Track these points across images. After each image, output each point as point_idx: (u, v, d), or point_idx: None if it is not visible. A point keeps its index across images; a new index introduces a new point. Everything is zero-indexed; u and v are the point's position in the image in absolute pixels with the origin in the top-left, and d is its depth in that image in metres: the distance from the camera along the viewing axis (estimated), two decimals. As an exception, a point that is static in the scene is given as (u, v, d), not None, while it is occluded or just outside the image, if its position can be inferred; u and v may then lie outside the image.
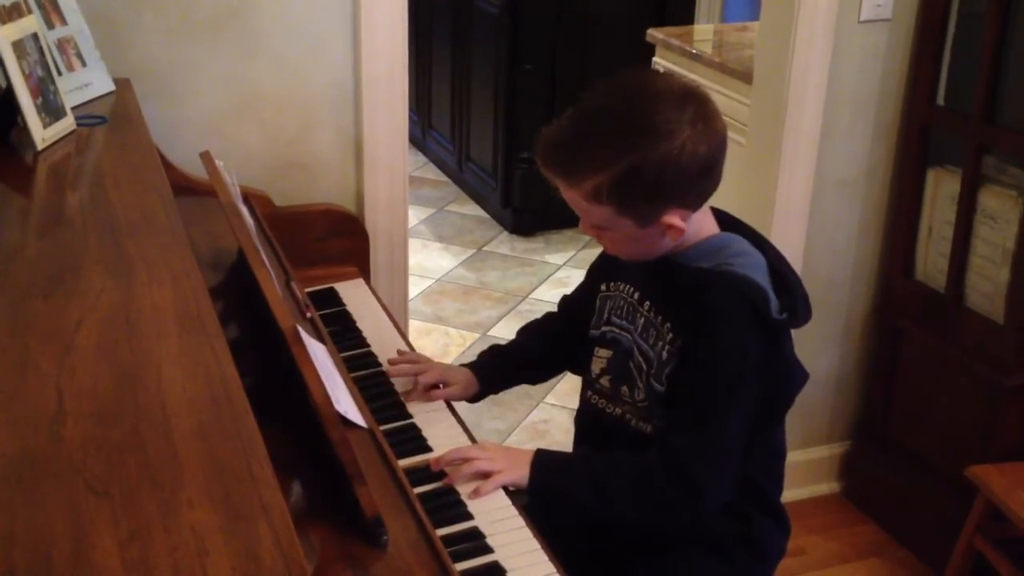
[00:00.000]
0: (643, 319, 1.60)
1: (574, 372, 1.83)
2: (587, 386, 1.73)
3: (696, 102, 1.48)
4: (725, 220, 1.63)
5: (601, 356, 1.68)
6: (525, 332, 1.89)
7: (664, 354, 1.56)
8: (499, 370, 1.84)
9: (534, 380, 1.95)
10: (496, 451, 1.59)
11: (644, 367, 1.59)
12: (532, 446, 1.64)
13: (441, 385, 1.79)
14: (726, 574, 1.66)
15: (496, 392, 1.87)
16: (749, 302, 1.50)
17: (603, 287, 1.69)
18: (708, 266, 1.54)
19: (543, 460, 1.57)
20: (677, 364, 1.54)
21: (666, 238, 1.53)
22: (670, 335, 1.55)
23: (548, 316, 1.90)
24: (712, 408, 1.52)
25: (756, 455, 1.59)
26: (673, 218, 1.50)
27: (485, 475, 1.54)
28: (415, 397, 1.76)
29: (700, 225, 1.57)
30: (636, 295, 1.63)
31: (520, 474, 1.55)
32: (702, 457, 1.51)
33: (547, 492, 1.57)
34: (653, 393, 1.58)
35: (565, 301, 1.89)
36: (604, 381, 1.68)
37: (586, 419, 1.75)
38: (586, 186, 1.48)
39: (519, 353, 1.86)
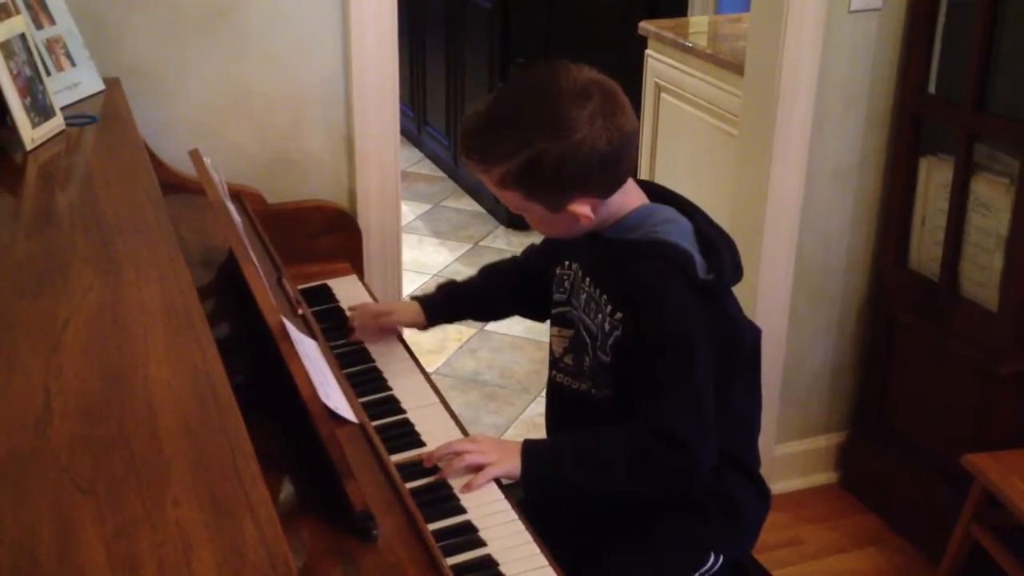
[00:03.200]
0: (584, 295, 1.67)
1: (524, 317, 1.97)
2: (552, 366, 1.78)
3: (598, 98, 1.54)
4: (656, 192, 1.70)
5: (564, 336, 1.73)
6: (483, 273, 2.00)
7: (606, 326, 1.61)
8: (446, 305, 1.97)
9: (480, 318, 2.16)
10: (488, 443, 1.60)
11: (588, 341, 1.65)
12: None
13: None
14: (703, 532, 1.69)
15: (444, 323, 2.00)
16: (676, 265, 1.57)
17: (557, 269, 1.75)
18: (636, 237, 1.61)
19: (532, 449, 1.59)
20: (621, 335, 1.59)
21: (579, 224, 1.60)
22: (609, 307, 1.61)
23: (510, 261, 2.00)
24: (677, 370, 1.56)
25: (719, 418, 1.61)
26: (581, 207, 1.57)
27: (478, 468, 1.55)
28: (363, 322, 1.94)
29: (623, 201, 1.63)
30: (580, 272, 1.70)
31: (512, 465, 1.56)
32: (684, 417, 1.55)
33: (539, 479, 1.58)
34: (600, 364, 1.63)
35: (529, 251, 1.97)
36: (568, 360, 1.72)
37: (554, 397, 1.80)
38: (494, 174, 1.57)
39: (470, 292, 1.97)
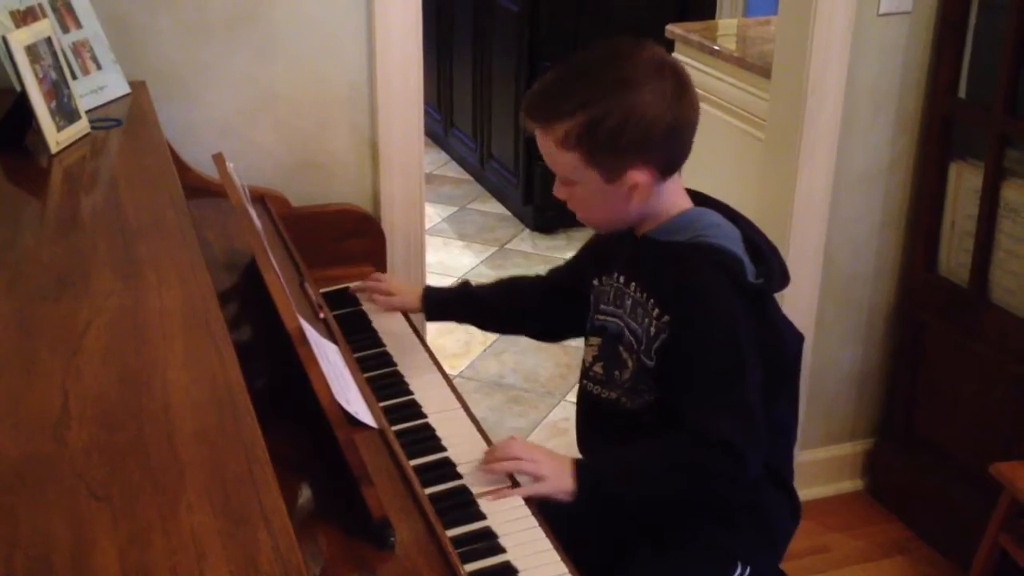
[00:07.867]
0: (631, 300, 1.64)
1: (534, 338, 2.04)
2: (583, 375, 1.76)
3: (672, 78, 1.54)
4: (699, 198, 1.68)
5: (592, 344, 1.72)
6: (502, 284, 2.01)
7: (652, 329, 1.58)
8: (448, 304, 1.99)
9: (484, 328, 2.12)
10: (544, 457, 1.57)
11: (635, 345, 1.62)
12: (552, 444, 1.64)
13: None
14: (732, 542, 1.66)
15: (444, 320, 2.06)
16: (725, 269, 1.54)
17: (595, 282, 1.73)
18: (683, 239, 1.59)
19: (586, 473, 1.55)
20: (667, 339, 1.56)
21: (632, 201, 1.57)
22: (655, 310, 1.58)
23: (533, 281, 1.99)
24: (725, 374, 1.53)
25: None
26: (638, 175, 1.54)
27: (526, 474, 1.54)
28: (364, 292, 2.05)
29: (673, 200, 1.62)
30: (622, 279, 1.66)
31: (564, 485, 1.54)
32: (734, 422, 1.52)
33: (592, 500, 1.56)
34: (643, 369, 1.60)
35: (552, 273, 1.96)
36: (597, 368, 1.71)
37: (584, 404, 1.78)
38: (558, 131, 1.54)
39: (481, 300, 1.97)
